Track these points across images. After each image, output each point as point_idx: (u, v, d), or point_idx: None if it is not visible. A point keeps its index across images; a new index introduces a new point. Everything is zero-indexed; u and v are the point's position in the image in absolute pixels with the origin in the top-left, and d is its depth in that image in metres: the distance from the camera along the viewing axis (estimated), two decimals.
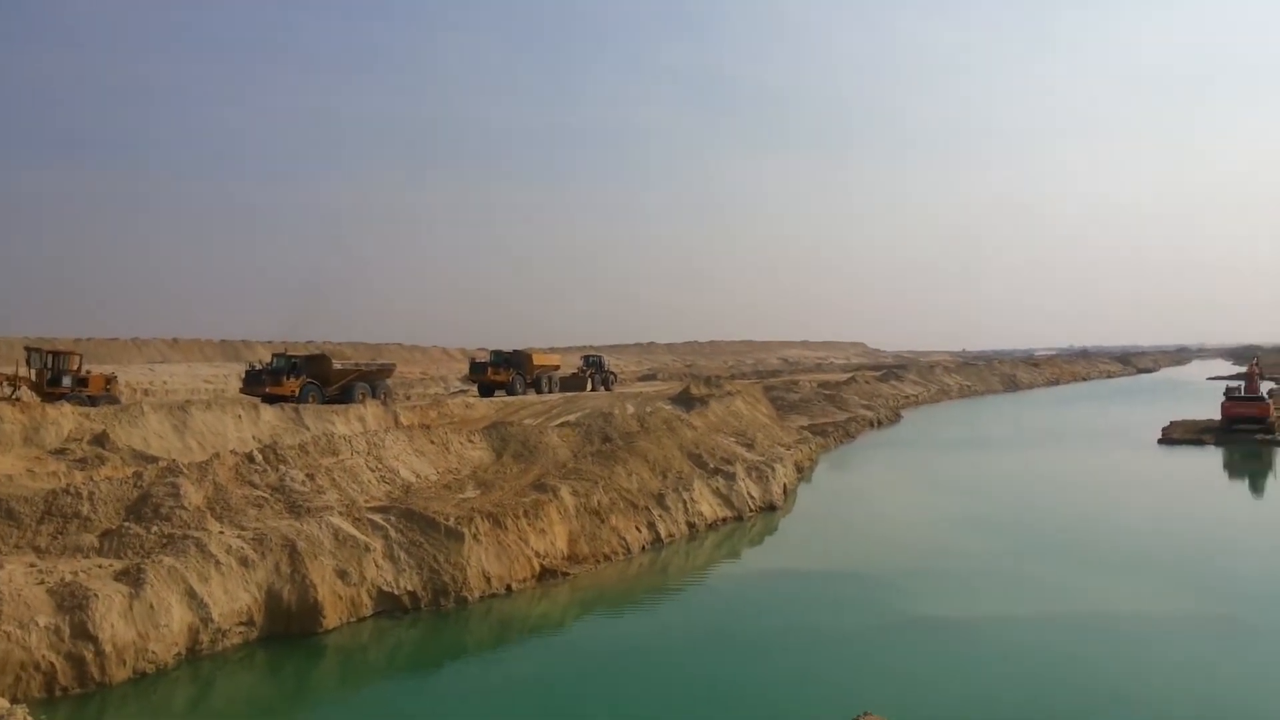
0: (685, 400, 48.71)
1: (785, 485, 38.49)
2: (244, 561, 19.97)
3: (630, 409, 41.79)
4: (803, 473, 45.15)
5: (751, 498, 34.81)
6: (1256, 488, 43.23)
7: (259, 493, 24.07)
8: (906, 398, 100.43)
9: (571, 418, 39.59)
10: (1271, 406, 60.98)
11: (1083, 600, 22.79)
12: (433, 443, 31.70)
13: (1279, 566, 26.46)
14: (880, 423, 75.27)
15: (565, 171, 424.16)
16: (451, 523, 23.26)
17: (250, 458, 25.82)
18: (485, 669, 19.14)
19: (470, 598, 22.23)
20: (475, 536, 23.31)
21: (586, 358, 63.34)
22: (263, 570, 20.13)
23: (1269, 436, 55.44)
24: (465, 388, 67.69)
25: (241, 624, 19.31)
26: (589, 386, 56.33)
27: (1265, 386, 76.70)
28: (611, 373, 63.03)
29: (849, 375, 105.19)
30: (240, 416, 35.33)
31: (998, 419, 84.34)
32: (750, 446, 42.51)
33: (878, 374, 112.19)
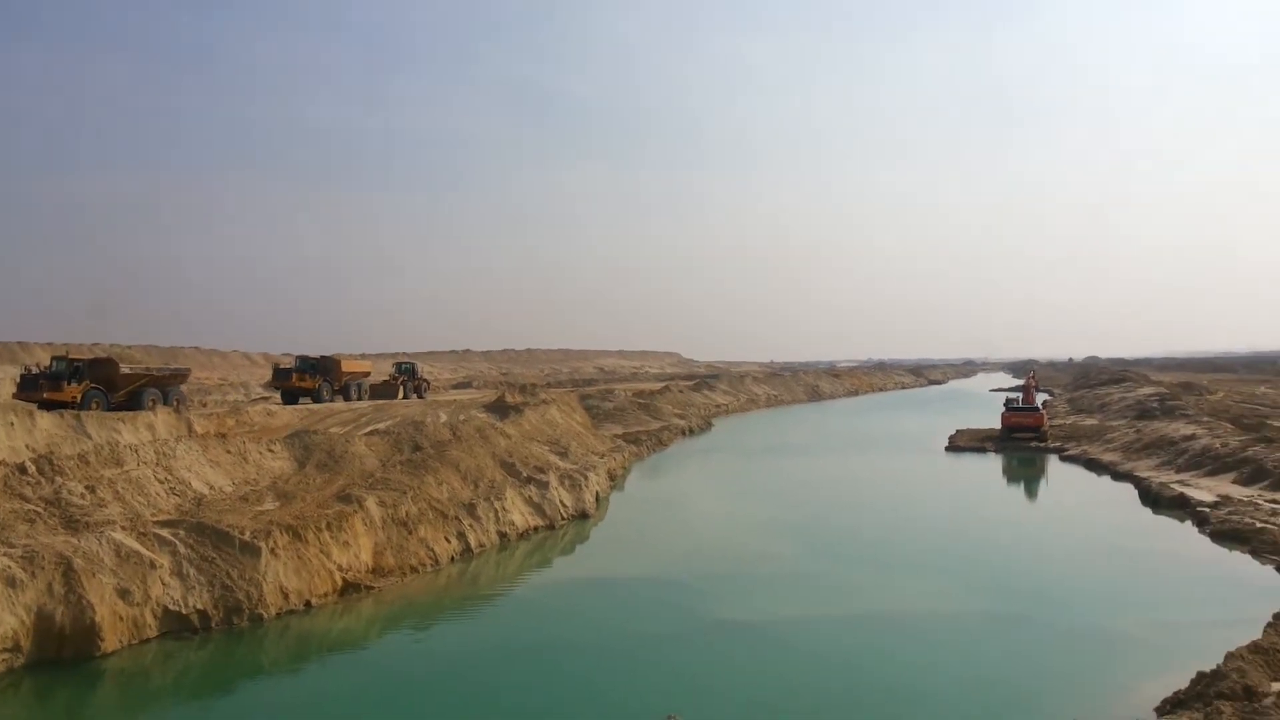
0: (500, 408, 48.25)
1: (598, 493, 38.73)
2: (11, 582, 18.27)
3: (443, 417, 40.99)
4: (616, 481, 45.58)
5: (564, 506, 34.81)
6: (1031, 491, 46.72)
7: (31, 506, 22.13)
8: (718, 406, 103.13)
9: (381, 426, 38.45)
10: (1045, 416, 66.27)
11: (879, 599, 23.93)
12: (229, 452, 30.08)
13: (1051, 564, 28.57)
14: (692, 431, 76.98)
15: (378, 176, 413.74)
16: (247, 536, 22.11)
17: (21, 469, 23.72)
18: (280, 690, 18.23)
19: (266, 615, 21.17)
20: (273, 550, 22.24)
21: (398, 364, 61.77)
22: (33, 591, 18.48)
23: (1042, 444, 60.12)
24: (268, 395, 64.76)
25: (5, 650, 17.68)
26: (401, 394, 54.82)
27: (1040, 398, 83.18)
28: (424, 380, 61.63)
29: (663, 385, 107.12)
30: (12, 424, 32.40)
31: (802, 427, 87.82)
32: (564, 455, 42.55)
33: (691, 384, 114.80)
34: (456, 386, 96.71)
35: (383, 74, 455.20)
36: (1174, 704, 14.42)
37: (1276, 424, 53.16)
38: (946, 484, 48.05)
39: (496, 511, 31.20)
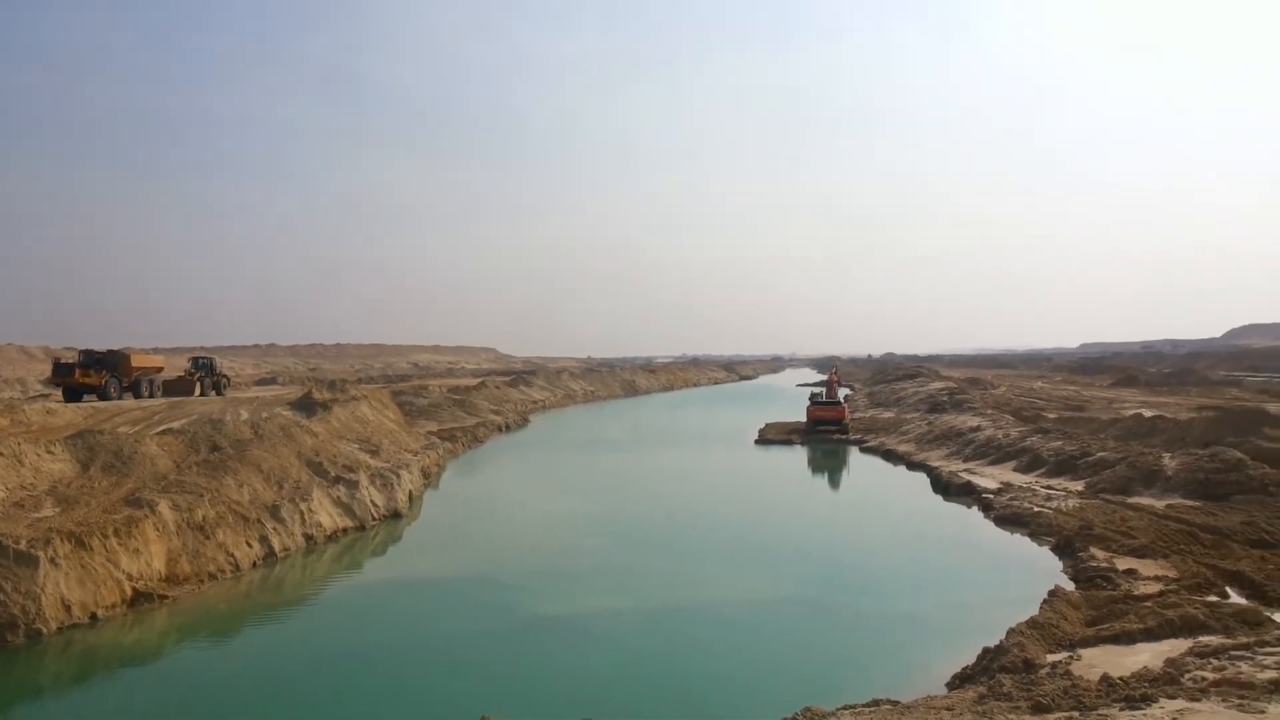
0: (307, 405, 46.30)
1: (412, 492, 37.82)
2: None
3: (244, 415, 38.93)
4: (430, 479, 44.65)
5: (375, 506, 33.79)
6: (834, 481, 48.86)
7: None
8: (534, 402, 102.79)
9: (176, 425, 36.10)
10: (847, 410, 69.47)
11: (692, 589, 24.38)
12: (1, 455, 27.54)
13: (853, 550, 29.95)
14: (509, 427, 76.43)
15: (188, 162, 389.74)
16: (23, 545, 20.29)
17: None
18: (60, 710, 16.85)
19: (46, 630, 19.48)
20: (53, 560, 20.50)
21: (195, 359, 58.12)
22: None
23: (844, 436, 63.06)
24: (48, 392, 59.75)
25: None
26: (198, 391, 51.61)
27: (842, 392, 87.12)
28: (224, 376, 58.26)
29: (479, 380, 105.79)
30: None
31: (619, 422, 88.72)
32: (375, 453, 41.31)
33: (508, 379, 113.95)
34: (260, 383, 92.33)
35: (180, 54, 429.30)
36: (962, 679, 15.33)
37: (1051, 416, 57.73)
38: (756, 476, 49.60)
39: (302, 513, 29.94)
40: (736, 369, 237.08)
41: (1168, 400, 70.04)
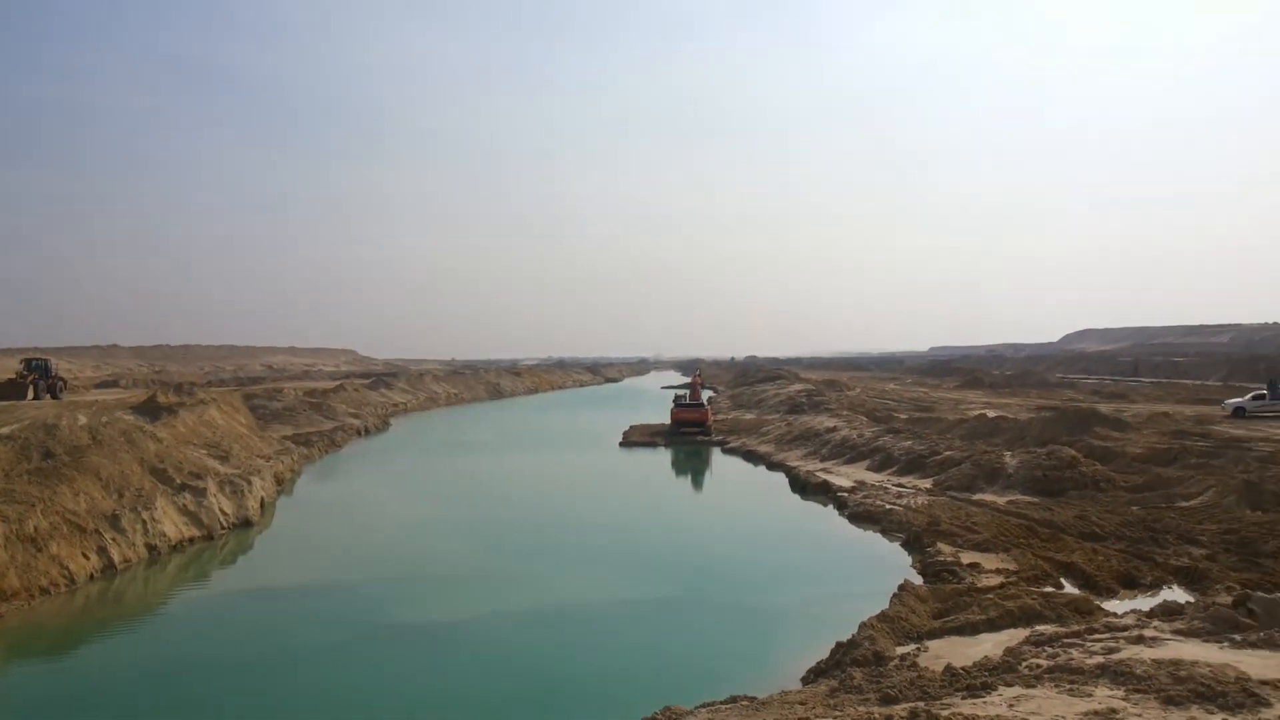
0: (151, 410, 44.05)
1: (264, 499, 36.47)
2: None
3: (82, 419, 36.70)
4: (284, 485, 43.19)
5: (224, 514, 32.42)
6: (697, 482, 49.52)
7: None
8: (396, 405, 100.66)
9: (5, 430, 33.80)
10: (709, 412, 70.56)
11: (555, 592, 24.26)
12: None
13: (714, 549, 30.37)
14: (369, 431, 74.62)
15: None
16: None
17: None
18: None
19: None
20: None
21: (28, 361, 54.58)
22: None
23: (707, 438, 64.00)
24: None
25: None
26: (31, 394, 48.46)
27: (705, 394, 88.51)
28: (60, 378, 54.88)
29: (338, 383, 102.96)
30: None
31: (483, 425, 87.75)
32: (225, 459, 39.62)
33: (367, 382, 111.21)
34: (101, 386, 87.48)
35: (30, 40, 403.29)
36: (817, 673, 15.71)
37: (902, 416, 59.99)
38: (620, 478, 49.82)
39: (145, 522, 28.45)
40: (602, 371, 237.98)
41: (1009, 401, 73.81)
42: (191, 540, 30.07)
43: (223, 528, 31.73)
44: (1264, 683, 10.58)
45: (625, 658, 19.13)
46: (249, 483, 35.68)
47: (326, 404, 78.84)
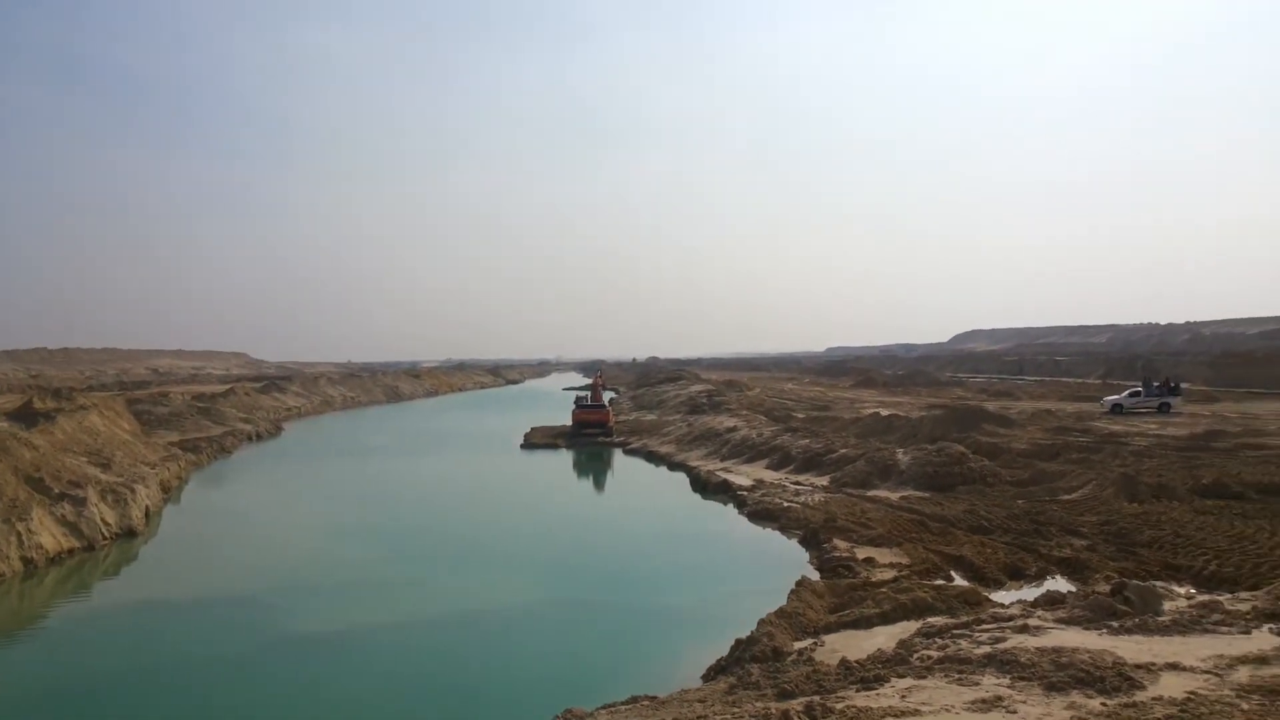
0: (27, 416, 42.04)
1: (149, 508, 35.10)
2: None
3: None
4: (171, 493, 41.70)
5: (107, 524, 31.07)
6: (599, 483, 49.50)
7: None
8: (289, 410, 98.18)
9: None
10: (611, 413, 70.65)
11: (454, 599, 23.91)
12: None
13: (616, 550, 30.43)
14: (260, 436, 72.60)
15: None
16: None
17: None
18: None
19: None
20: None
21: None
22: None
23: (609, 439, 64.06)
24: None
25: None
26: None
27: (607, 396, 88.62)
28: None
29: (228, 387, 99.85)
30: None
31: (380, 429, 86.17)
32: (107, 467, 38.00)
33: (259, 385, 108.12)
34: None
35: None
36: (716, 670, 15.85)
37: (800, 416, 61.09)
38: (521, 480, 49.52)
39: (20, 534, 27.07)
40: (503, 373, 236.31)
41: (902, 400, 75.88)
42: (71, 552, 28.74)
43: (105, 538, 30.42)
44: (1138, 666, 11.09)
45: (527, 662, 18.99)
46: (133, 491, 34.29)
47: (216, 408, 76.40)
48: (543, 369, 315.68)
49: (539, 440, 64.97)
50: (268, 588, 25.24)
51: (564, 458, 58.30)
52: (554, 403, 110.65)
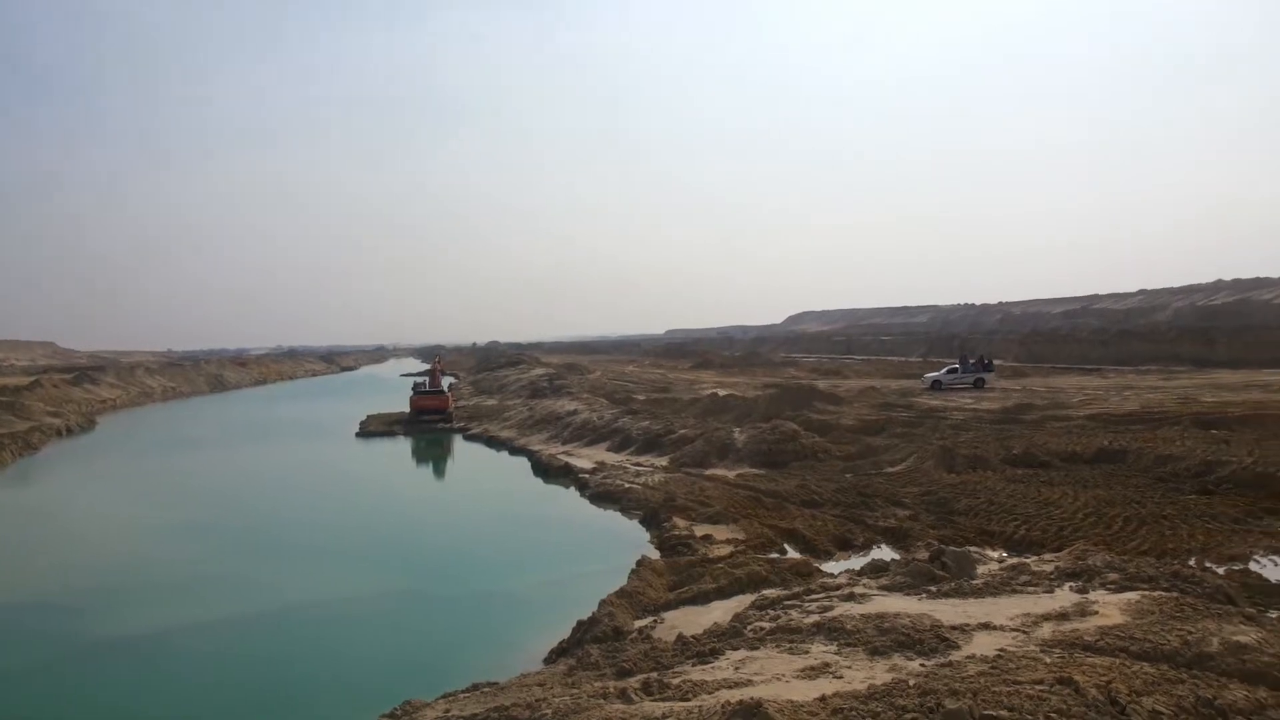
0: None
1: None
2: None
3: None
4: None
5: None
6: (439, 470, 48.80)
7: None
8: (104, 402, 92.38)
9: None
10: (451, 399, 69.58)
11: (286, 594, 22.98)
12: None
13: (458, 537, 30.05)
14: (71, 430, 68.03)
15: None
16: None
17: None
18: None
19: None
20: None
21: None
22: None
23: (449, 425, 63.10)
24: None
25: None
26: None
27: (446, 381, 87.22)
28: None
29: (33, 379, 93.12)
30: None
31: (205, 420, 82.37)
32: None
33: (69, 377, 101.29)
34: None
35: None
36: (558, 653, 15.90)
37: (641, 398, 61.78)
38: (358, 469, 48.26)
39: None
40: (337, 360, 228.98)
41: (739, 380, 77.86)
42: None
43: None
44: (954, 628, 11.77)
45: (364, 655, 18.51)
46: None
47: (20, 402, 71.04)
48: (379, 355, 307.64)
49: (375, 428, 63.32)
50: (74, 591, 23.64)
51: (402, 445, 57.10)
52: (391, 389, 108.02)
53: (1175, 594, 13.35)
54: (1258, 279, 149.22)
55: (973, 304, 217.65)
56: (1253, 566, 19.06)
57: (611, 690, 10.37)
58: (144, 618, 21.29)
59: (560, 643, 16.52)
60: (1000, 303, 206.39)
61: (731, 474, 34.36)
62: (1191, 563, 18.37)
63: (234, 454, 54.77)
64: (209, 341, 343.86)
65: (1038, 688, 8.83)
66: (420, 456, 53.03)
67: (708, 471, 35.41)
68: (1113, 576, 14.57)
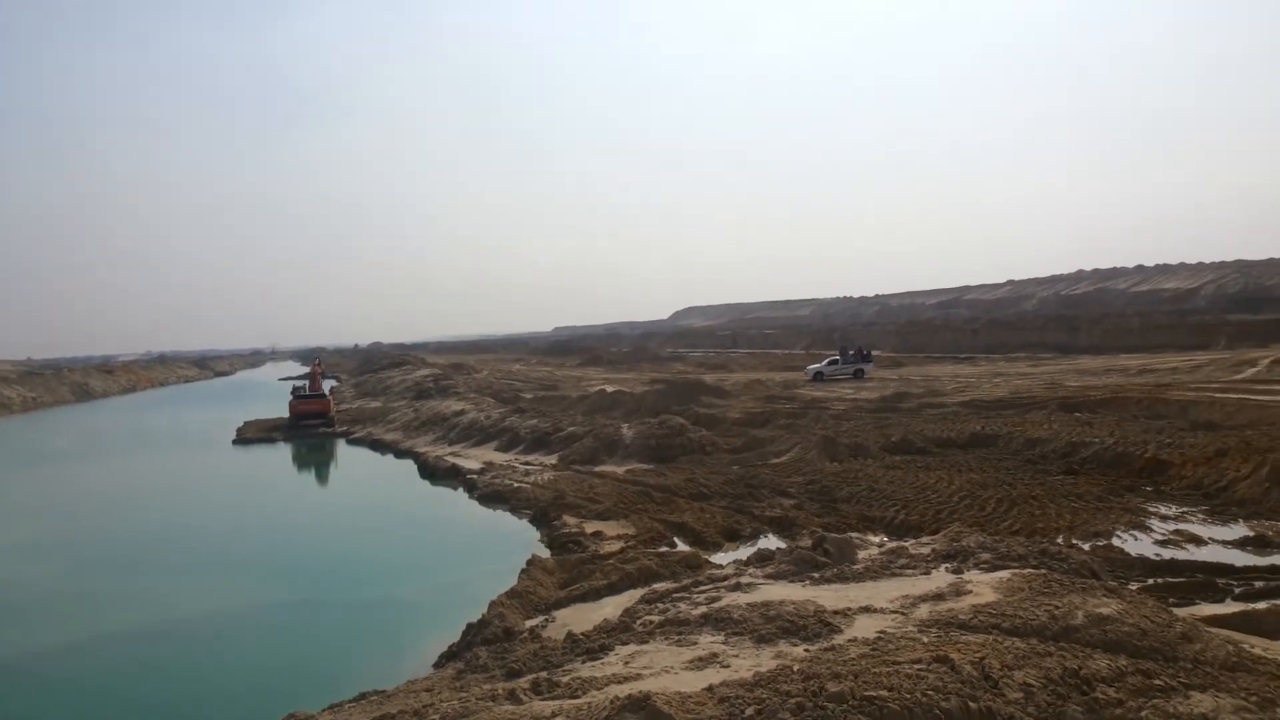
0: None
1: None
2: None
3: None
4: None
5: None
6: (321, 476, 47.63)
7: None
8: None
9: None
10: (332, 402, 67.88)
11: (159, 608, 22.09)
12: None
13: (341, 544, 29.33)
14: None
15: None
16: None
17: None
18: None
19: None
20: None
21: None
22: None
23: (330, 429, 61.57)
24: None
25: None
26: None
27: (327, 384, 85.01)
28: None
29: None
30: None
31: (68, 432, 78.40)
32: None
33: None
34: None
35: None
36: (448, 657, 15.68)
37: (529, 396, 61.49)
38: (235, 477, 46.72)
39: None
40: (211, 365, 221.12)
41: (626, 376, 78.17)
42: None
43: None
44: (836, 612, 12.07)
45: (245, 669, 17.94)
46: None
47: None
48: (256, 359, 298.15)
49: (253, 434, 61.36)
50: None
51: (282, 451, 55.50)
52: (270, 394, 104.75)
53: (1044, 571, 13.97)
54: (1115, 269, 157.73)
55: (852, 297, 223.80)
56: (1115, 542, 20.13)
57: (500, 692, 10.30)
58: (4, 636, 20.19)
59: (450, 646, 16.31)
60: (877, 295, 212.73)
61: (621, 470, 34.48)
62: (1059, 540, 19.30)
63: (103, 466, 52.31)
64: (72, 349, 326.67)
65: (916, 667, 9.14)
66: (302, 462, 51.66)
67: (597, 468, 35.45)
68: (985, 556, 15.17)
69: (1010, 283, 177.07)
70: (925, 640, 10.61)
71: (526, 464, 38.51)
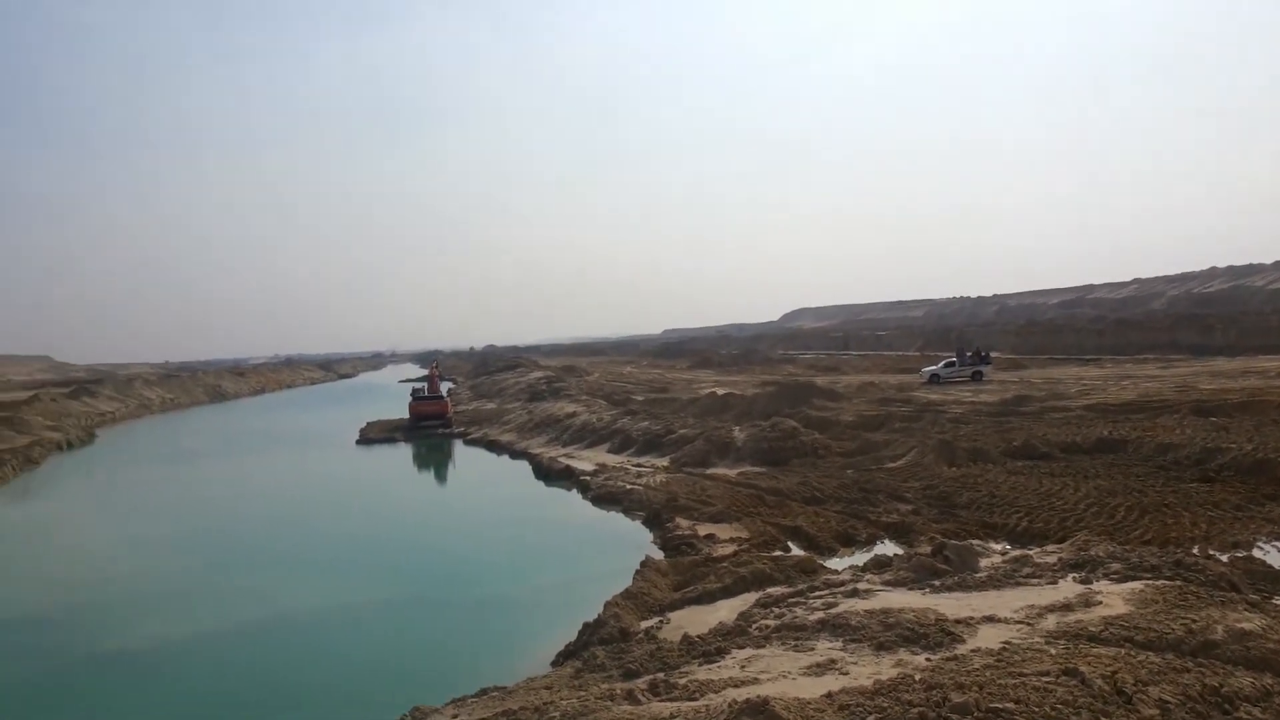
0: None
1: None
2: None
3: None
4: None
5: None
6: (440, 476, 48.80)
7: None
8: (102, 415, 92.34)
9: None
10: (449, 404, 69.57)
11: (292, 602, 22.98)
12: None
13: (461, 543, 30.04)
14: (71, 444, 68.03)
15: None
16: None
17: None
18: None
19: None
20: None
21: None
22: None
23: (448, 430, 63.08)
24: None
25: None
26: None
27: (445, 387, 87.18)
28: None
29: (32, 393, 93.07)
30: None
31: (204, 431, 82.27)
32: None
33: (67, 390, 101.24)
34: None
35: None
36: (565, 655, 15.92)
37: (639, 398, 61.81)
38: (359, 477, 48.27)
39: None
40: (335, 367, 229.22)
41: (737, 379, 77.82)
42: None
43: None
44: (958, 621, 11.80)
45: (372, 662, 18.53)
46: None
47: (19, 417, 70.99)
48: (377, 361, 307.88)
49: (375, 434, 63.35)
50: (79, 604, 23.69)
51: (403, 452, 57.12)
52: (390, 396, 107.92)
53: (1179, 583, 13.39)
54: (1251, 265, 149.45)
55: (968, 297, 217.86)
56: (1256, 553, 19.10)
57: (619, 691, 10.40)
58: (149, 629, 21.32)
59: (567, 645, 16.54)
60: (995, 295, 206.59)
61: (733, 472, 34.38)
62: (1194, 551, 18.41)
63: (235, 464, 54.77)
64: (206, 352, 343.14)
65: (1043, 679, 8.87)
66: (421, 463, 53.04)
67: (709, 471, 35.42)
68: (1116, 566, 14.62)
69: (1137, 281, 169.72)
70: (1053, 652, 10.28)
71: (638, 466, 38.73)
